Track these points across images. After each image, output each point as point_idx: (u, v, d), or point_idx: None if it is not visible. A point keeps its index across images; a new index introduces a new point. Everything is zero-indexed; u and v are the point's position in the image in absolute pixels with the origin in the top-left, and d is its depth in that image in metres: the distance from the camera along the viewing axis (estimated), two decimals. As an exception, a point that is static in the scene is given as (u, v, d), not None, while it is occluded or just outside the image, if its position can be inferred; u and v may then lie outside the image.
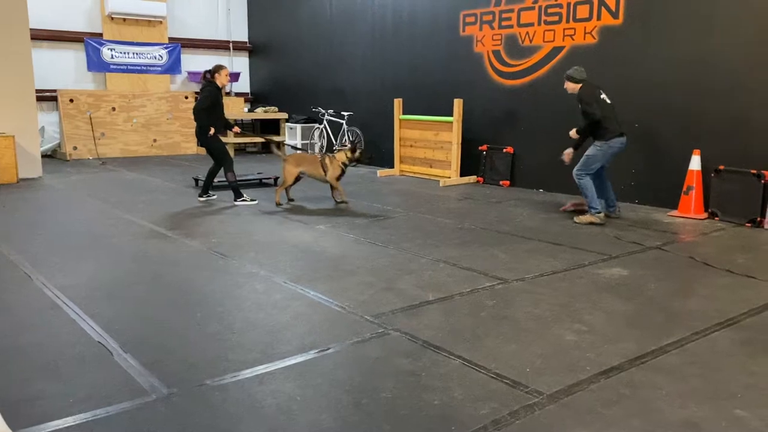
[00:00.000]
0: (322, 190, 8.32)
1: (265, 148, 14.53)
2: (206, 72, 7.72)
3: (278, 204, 7.62)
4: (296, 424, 2.67)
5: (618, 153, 6.83)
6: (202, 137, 7.68)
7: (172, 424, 2.68)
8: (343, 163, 7.67)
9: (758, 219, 6.61)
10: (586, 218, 6.77)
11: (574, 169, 6.86)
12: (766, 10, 6.66)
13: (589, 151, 6.78)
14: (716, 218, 6.95)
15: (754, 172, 6.68)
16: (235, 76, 14.16)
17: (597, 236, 6.16)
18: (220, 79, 7.64)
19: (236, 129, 8.14)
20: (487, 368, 3.21)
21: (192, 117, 7.84)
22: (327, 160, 7.68)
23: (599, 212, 6.72)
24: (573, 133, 6.91)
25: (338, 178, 7.71)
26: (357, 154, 7.71)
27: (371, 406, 2.83)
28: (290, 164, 7.68)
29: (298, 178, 7.72)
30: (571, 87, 6.86)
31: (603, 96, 6.74)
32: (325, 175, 7.65)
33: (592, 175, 6.79)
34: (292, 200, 7.86)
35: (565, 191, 8.62)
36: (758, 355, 3.42)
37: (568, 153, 7.05)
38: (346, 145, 11.69)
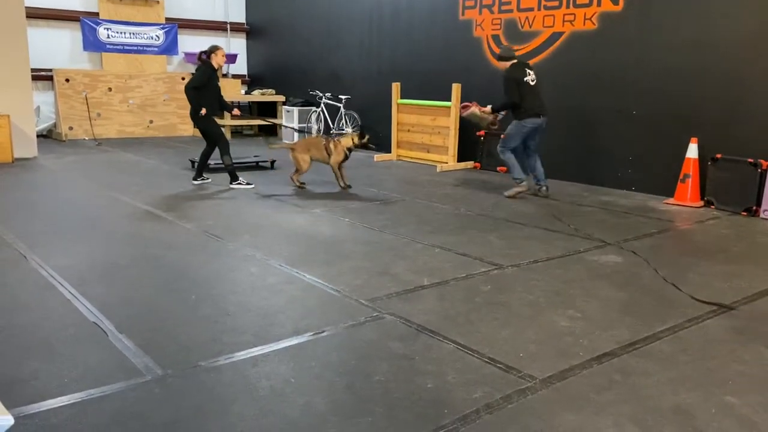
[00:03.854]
0: (320, 174, 8.30)
1: (263, 131, 14.48)
2: (201, 53, 7.64)
3: (300, 185, 7.65)
4: (289, 406, 2.69)
5: (535, 132, 7.26)
6: (195, 118, 7.62)
7: (166, 404, 2.69)
8: (348, 149, 7.61)
9: (754, 208, 6.63)
10: (513, 191, 7.27)
11: (498, 145, 7.46)
12: (767, -2, 6.63)
13: (509, 129, 7.32)
14: (712, 206, 6.96)
15: (751, 161, 6.68)
16: (232, 58, 14.05)
17: (592, 223, 6.17)
18: (216, 60, 7.56)
19: (236, 111, 8.06)
20: (480, 353, 3.23)
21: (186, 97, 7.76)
22: (331, 145, 7.61)
23: (522, 181, 7.22)
24: (487, 108, 7.47)
25: (341, 163, 7.66)
26: (365, 139, 7.68)
27: (364, 389, 2.84)
28: (300, 152, 7.62)
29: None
30: (502, 65, 7.41)
31: (527, 78, 7.16)
32: (329, 158, 7.61)
33: (518, 150, 7.33)
34: (303, 184, 7.72)
35: (563, 177, 8.62)
36: (750, 343, 3.44)
37: (481, 110, 7.55)
38: (343, 130, 11.73)
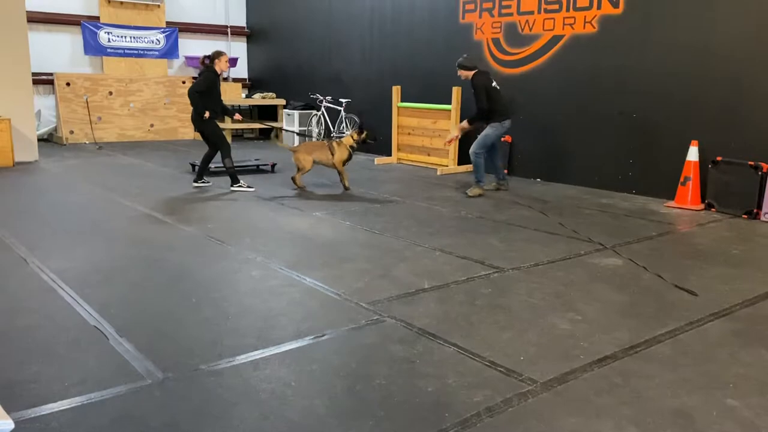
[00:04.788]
0: (321, 176, 8.31)
1: (263, 135, 14.50)
2: (205, 57, 7.68)
3: (301, 187, 7.83)
4: (290, 409, 2.69)
5: (506, 132, 7.94)
6: (197, 122, 7.64)
7: (166, 408, 2.69)
8: (351, 147, 7.79)
9: (755, 210, 6.62)
10: (476, 191, 7.61)
11: (472, 148, 7.67)
12: (767, 0, 6.63)
13: (486, 130, 7.59)
14: (713, 209, 6.96)
15: (752, 163, 6.68)
16: (233, 62, 14.07)
17: (593, 226, 6.17)
18: (220, 65, 7.59)
19: (238, 116, 8.09)
20: (481, 356, 3.23)
21: (188, 101, 7.78)
22: (335, 144, 7.81)
23: (484, 184, 7.71)
24: (465, 124, 7.77)
25: (344, 163, 7.82)
26: (363, 135, 7.83)
27: (365, 393, 2.84)
28: (303, 153, 7.83)
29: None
30: (465, 74, 7.56)
31: (495, 84, 7.54)
32: (333, 158, 7.76)
33: (486, 152, 7.72)
34: (304, 187, 7.90)
35: (563, 181, 8.63)
36: (751, 346, 3.44)
37: (461, 128, 7.91)
38: (344, 133, 11.73)
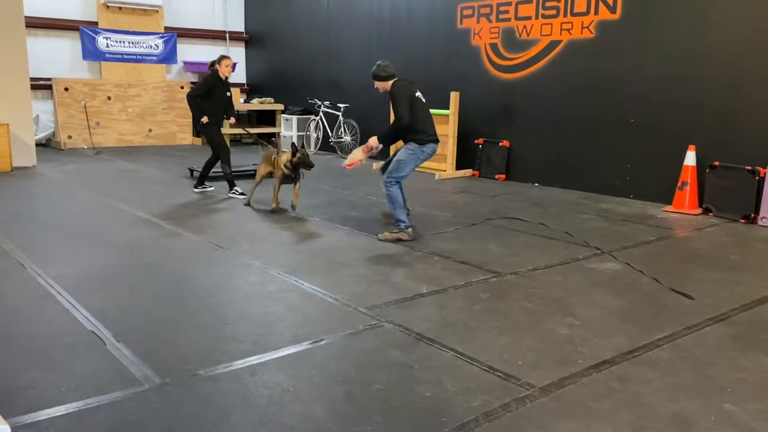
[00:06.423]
0: (318, 182, 8.30)
1: (262, 140, 14.49)
2: (212, 62, 7.77)
3: (247, 204, 7.15)
4: (288, 415, 2.68)
5: (426, 160, 5.99)
6: (198, 126, 7.69)
7: (164, 413, 2.68)
8: (285, 165, 6.71)
9: (752, 215, 6.64)
10: (391, 235, 5.69)
11: (384, 177, 5.85)
12: (764, 6, 6.66)
13: (401, 154, 5.86)
14: (710, 214, 6.97)
15: (749, 168, 6.70)
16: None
17: (591, 231, 6.17)
18: (221, 70, 7.63)
19: (232, 120, 8.09)
20: (479, 361, 3.23)
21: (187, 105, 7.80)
22: (274, 158, 6.92)
23: (408, 227, 5.73)
24: (375, 141, 5.76)
25: (281, 180, 6.80)
26: (296, 158, 6.61)
27: (363, 398, 2.84)
28: (260, 166, 7.15)
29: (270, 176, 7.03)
30: (383, 86, 5.86)
31: (418, 94, 5.91)
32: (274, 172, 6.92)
33: (400, 184, 5.86)
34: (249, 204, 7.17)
35: (561, 185, 8.64)
36: (749, 351, 3.44)
37: (368, 148, 5.81)
38: (342, 138, 11.74)
